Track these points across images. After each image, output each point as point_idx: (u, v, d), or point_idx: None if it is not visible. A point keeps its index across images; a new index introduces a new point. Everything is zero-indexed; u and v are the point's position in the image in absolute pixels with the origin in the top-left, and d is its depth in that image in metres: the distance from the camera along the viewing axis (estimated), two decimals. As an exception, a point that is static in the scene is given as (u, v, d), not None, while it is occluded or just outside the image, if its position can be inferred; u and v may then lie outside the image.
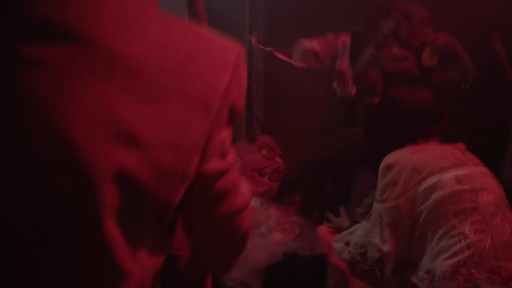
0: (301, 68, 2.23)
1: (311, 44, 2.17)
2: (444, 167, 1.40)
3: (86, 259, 0.54)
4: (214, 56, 0.56)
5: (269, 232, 1.61)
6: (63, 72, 0.48)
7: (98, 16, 0.50)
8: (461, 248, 1.29)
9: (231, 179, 0.64)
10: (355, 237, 1.57)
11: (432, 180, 1.39)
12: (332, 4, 3.34)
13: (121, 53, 0.50)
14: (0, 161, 0.49)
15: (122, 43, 0.50)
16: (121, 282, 0.56)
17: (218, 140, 0.58)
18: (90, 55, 0.49)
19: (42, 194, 0.50)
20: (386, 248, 1.46)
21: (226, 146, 0.61)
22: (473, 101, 2.94)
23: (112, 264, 0.55)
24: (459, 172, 1.39)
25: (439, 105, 1.69)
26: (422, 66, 2.50)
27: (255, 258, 1.51)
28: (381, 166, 1.51)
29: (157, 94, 0.51)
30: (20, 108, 0.48)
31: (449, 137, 1.58)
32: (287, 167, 2.72)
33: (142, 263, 0.58)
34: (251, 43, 3.10)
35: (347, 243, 1.58)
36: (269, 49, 2.35)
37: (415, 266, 1.42)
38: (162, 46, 0.52)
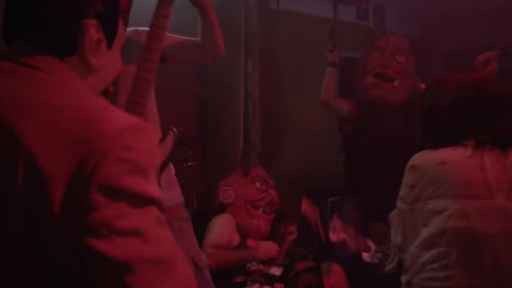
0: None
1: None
2: (460, 195, 1.27)
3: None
4: (85, 142, 0.66)
5: None
6: None
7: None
8: (440, 277, 1.28)
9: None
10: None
11: (442, 204, 1.28)
12: (325, 31, 3.38)
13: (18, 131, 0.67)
14: None
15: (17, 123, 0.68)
16: None
17: (96, 220, 0.64)
18: None
19: None
20: (397, 240, 1.44)
21: (117, 228, 0.65)
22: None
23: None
24: (474, 207, 1.26)
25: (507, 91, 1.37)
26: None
27: None
28: (409, 163, 1.38)
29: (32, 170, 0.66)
30: None
31: (506, 141, 1.31)
32: (285, 196, 2.70)
33: None
34: (247, 71, 3.12)
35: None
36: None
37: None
38: (42, 134, 0.66)
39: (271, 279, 2.09)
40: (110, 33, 0.83)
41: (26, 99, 0.70)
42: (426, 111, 1.44)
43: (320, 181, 3.15)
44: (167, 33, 1.64)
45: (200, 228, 2.13)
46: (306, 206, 2.41)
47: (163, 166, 1.49)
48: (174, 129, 1.51)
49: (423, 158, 1.35)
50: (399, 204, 1.40)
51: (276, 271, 2.12)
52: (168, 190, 1.60)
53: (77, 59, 0.78)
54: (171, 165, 1.68)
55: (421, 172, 1.33)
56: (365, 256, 1.79)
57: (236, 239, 2.25)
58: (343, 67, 3.20)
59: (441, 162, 1.31)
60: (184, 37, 1.72)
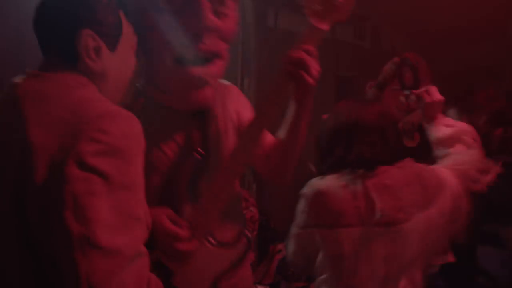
0: None
1: None
2: (335, 225, 1.32)
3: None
4: (69, 124, 0.76)
5: None
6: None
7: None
8: None
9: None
10: None
11: (323, 233, 1.33)
12: (323, 50, 3.40)
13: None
14: None
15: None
16: None
17: (67, 191, 0.71)
18: None
19: None
20: (300, 263, 1.45)
21: (82, 203, 0.71)
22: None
23: None
24: (347, 235, 1.31)
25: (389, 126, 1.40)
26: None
27: None
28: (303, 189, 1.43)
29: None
30: None
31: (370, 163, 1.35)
32: (277, 216, 2.67)
33: None
34: (243, 89, 3.13)
35: None
36: None
37: None
38: (41, 119, 0.79)
39: (257, 298, 2.05)
40: (109, 38, 0.90)
41: (39, 94, 0.82)
42: (316, 140, 1.49)
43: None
44: None
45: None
46: None
47: (223, 273, 1.21)
48: (248, 233, 1.30)
49: (309, 186, 1.39)
50: (293, 229, 1.41)
51: (263, 290, 2.08)
52: None
53: (80, 67, 0.87)
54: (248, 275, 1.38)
55: (307, 200, 1.37)
56: None
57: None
58: (339, 86, 3.20)
59: (320, 192, 1.35)
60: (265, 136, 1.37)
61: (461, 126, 1.48)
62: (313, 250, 1.38)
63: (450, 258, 1.59)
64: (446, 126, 1.50)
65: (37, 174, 0.73)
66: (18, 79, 0.87)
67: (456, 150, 1.46)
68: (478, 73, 2.90)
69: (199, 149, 1.22)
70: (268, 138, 1.36)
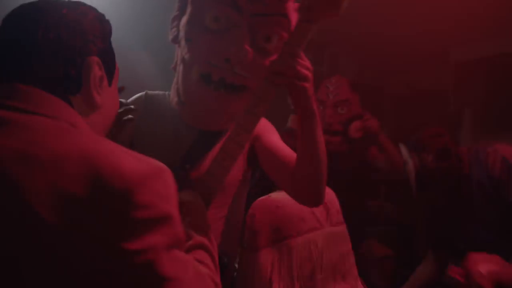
0: None
1: None
2: (302, 231, 1.42)
3: None
4: (91, 201, 0.60)
5: None
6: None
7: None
8: None
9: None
10: None
11: (290, 243, 1.40)
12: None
13: None
14: None
15: None
16: None
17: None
18: None
19: None
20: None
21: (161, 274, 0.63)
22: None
23: None
24: (313, 238, 1.43)
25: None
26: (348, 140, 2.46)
27: None
28: (248, 212, 1.43)
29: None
30: None
31: None
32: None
33: None
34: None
35: None
36: None
37: None
38: (46, 195, 0.59)
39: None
40: (110, 69, 0.81)
41: (27, 153, 0.60)
42: None
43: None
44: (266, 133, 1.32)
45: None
46: None
47: None
48: (225, 259, 1.20)
49: (259, 205, 1.44)
50: (244, 252, 1.42)
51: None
52: None
53: (81, 98, 0.74)
54: None
55: (262, 218, 1.41)
56: None
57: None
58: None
59: (276, 206, 1.43)
60: (283, 150, 1.26)
61: None
62: (279, 264, 1.38)
63: None
64: None
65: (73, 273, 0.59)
66: None
67: None
68: (426, 97, 3.13)
69: (188, 166, 1.18)
70: (293, 156, 1.20)
